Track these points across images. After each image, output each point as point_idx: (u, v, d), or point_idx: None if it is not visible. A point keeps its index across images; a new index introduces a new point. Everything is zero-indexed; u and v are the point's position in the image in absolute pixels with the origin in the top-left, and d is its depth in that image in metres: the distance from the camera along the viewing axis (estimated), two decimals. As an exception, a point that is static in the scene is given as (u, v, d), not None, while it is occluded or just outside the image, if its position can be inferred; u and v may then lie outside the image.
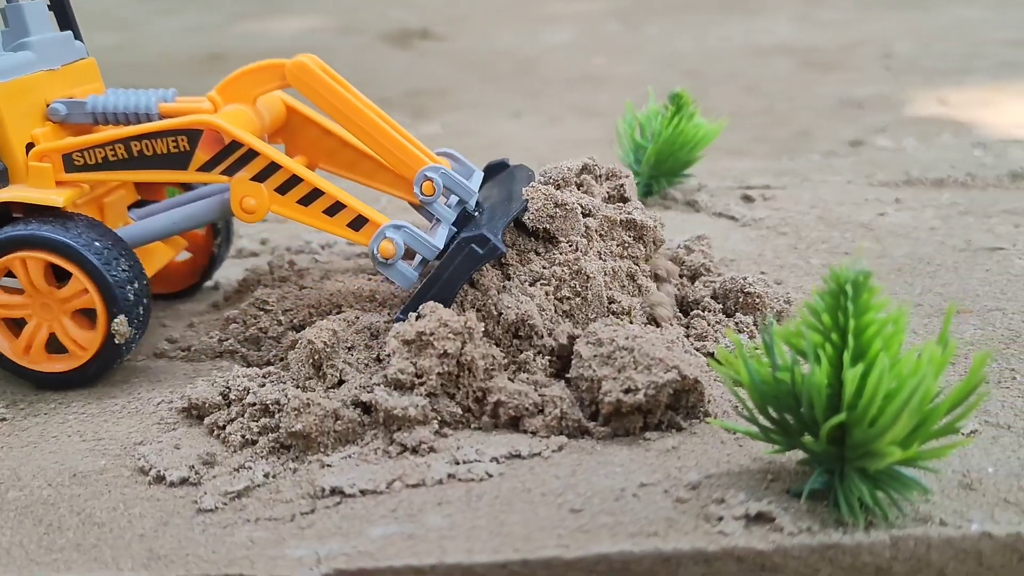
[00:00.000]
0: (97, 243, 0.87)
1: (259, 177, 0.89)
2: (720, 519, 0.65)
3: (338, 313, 0.96)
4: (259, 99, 0.97)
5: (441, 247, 0.89)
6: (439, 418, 0.79)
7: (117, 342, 0.88)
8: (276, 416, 0.80)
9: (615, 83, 2.37)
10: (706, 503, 0.67)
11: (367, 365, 0.85)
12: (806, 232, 1.25)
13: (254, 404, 0.81)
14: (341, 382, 0.83)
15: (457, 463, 0.75)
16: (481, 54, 2.77)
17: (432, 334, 0.79)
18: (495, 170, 1.07)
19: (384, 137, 0.94)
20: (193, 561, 0.65)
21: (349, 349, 0.86)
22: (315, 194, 0.89)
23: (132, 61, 2.71)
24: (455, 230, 0.94)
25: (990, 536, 0.63)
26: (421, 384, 0.79)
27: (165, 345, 1.00)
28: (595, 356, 0.79)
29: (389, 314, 0.93)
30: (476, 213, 0.95)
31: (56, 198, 0.89)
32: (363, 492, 0.72)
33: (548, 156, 1.75)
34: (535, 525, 0.66)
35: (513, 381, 0.81)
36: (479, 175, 1.03)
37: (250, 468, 0.76)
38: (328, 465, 0.75)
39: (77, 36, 1.02)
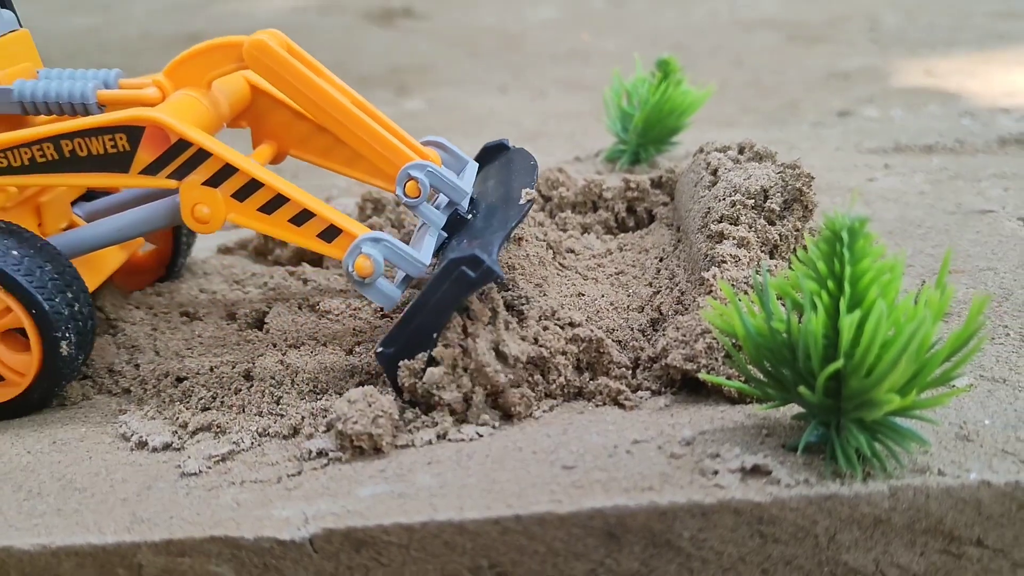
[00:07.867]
0: (15, 252, 0.75)
1: (213, 181, 0.76)
2: (716, 473, 0.63)
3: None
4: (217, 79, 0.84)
5: (428, 261, 0.77)
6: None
7: (59, 364, 0.76)
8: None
9: (601, 58, 2.34)
10: (701, 458, 0.66)
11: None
12: (796, 197, 1.23)
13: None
14: None
15: (446, 424, 0.73)
16: (464, 31, 2.74)
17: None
18: (492, 154, 0.94)
19: (360, 127, 0.82)
20: (177, 524, 0.64)
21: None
22: (279, 200, 0.76)
23: (109, 42, 2.67)
24: (445, 235, 0.83)
25: (989, 485, 0.62)
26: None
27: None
28: None
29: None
30: (470, 215, 0.84)
31: None
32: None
33: (535, 129, 1.73)
34: (527, 482, 0.65)
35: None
36: (473, 168, 0.91)
37: (236, 433, 0.75)
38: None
39: (4, 4, 0.86)
